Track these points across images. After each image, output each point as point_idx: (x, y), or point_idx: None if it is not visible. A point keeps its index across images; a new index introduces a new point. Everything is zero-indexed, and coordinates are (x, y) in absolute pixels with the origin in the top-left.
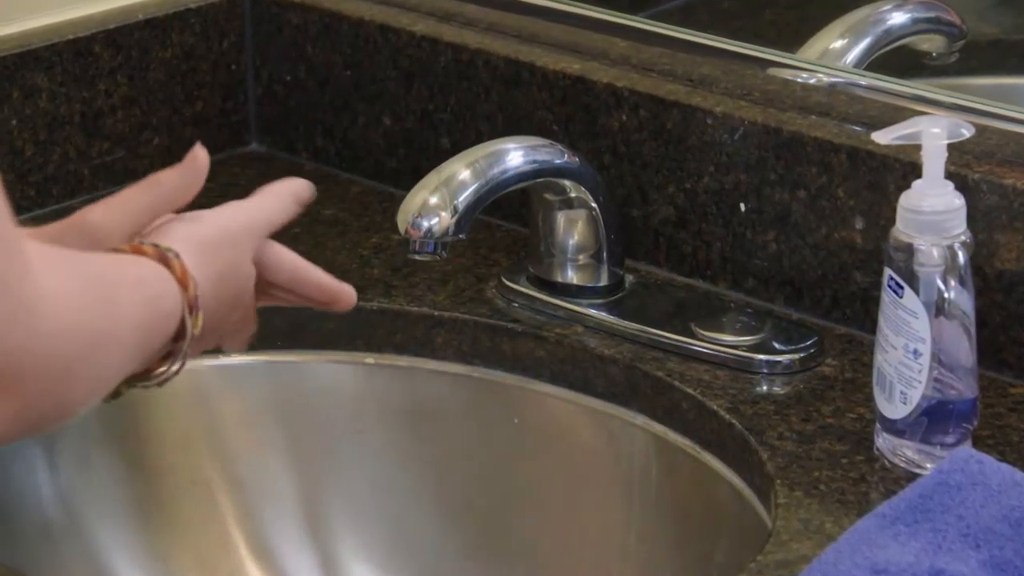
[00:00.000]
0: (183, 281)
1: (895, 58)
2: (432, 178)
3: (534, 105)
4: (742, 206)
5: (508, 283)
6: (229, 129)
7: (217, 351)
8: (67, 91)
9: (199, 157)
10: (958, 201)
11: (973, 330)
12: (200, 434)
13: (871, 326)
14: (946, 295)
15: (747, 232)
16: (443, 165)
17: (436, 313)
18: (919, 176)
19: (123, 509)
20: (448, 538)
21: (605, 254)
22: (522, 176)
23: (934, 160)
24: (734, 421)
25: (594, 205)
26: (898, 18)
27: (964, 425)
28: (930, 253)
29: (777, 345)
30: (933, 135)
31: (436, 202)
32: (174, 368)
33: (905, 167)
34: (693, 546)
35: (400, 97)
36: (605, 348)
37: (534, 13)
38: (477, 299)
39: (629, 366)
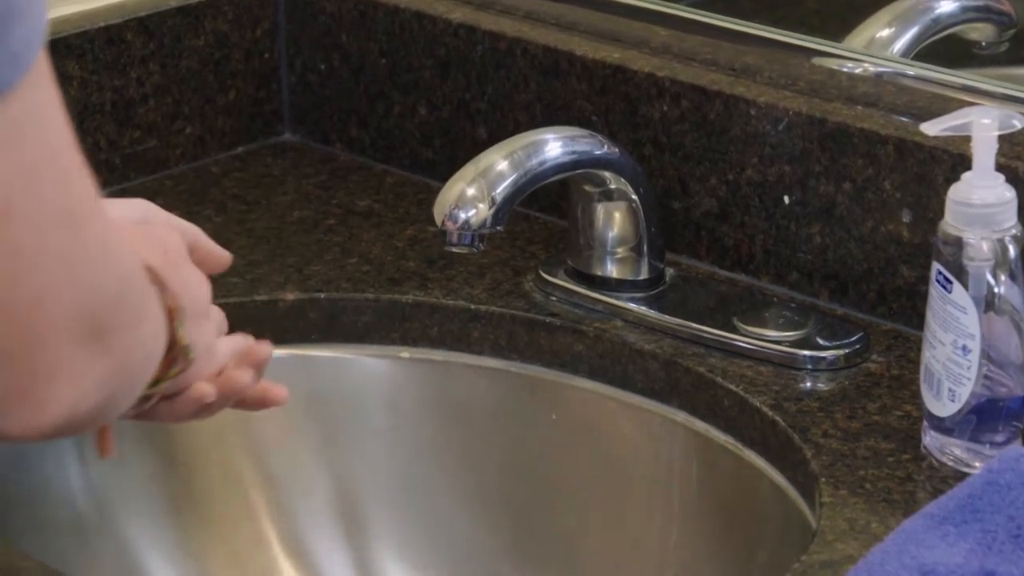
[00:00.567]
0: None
1: (943, 47)
2: (469, 169)
3: (573, 95)
4: (786, 198)
5: (546, 276)
6: (262, 119)
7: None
8: (98, 79)
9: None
10: (1009, 194)
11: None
12: (233, 429)
13: (918, 322)
14: (996, 290)
15: (791, 225)
16: (480, 156)
17: (472, 307)
18: (968, 168)
19: (155, 505)
20: (484, 536)
21: (645, 247)
22: (561, 167)
23: (984, 152)
24: (777, 418)
25: (634, 197)
26: (947, 6)
27: (1014, 423)
28: (980, 247)
29: (821, 341)
30: (983, 126)
31: (473, 193)
32: (180, 367)
33: (954, 159)
34: (735, 546)
35: (436, 86)
36: (645, 343)
37: (573, 1)
38: (514, 292)
39: (670, 361)
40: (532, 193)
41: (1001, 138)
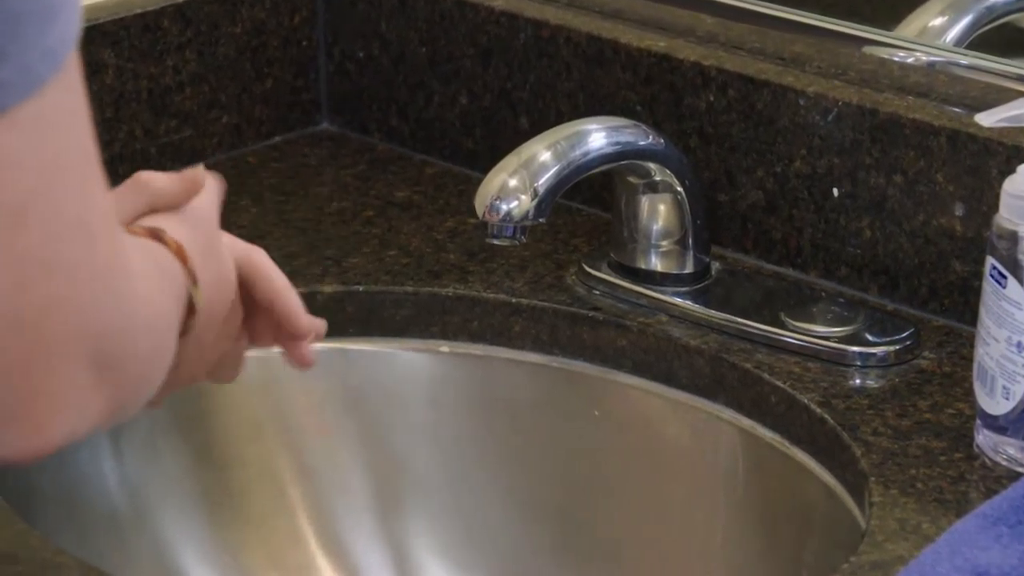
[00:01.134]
0: (180, 255)
1: (997, 36)
2: (511, 160)
3: (617, 84)
4: (835, 191)
5: (589, 270)
6: (299, 107)
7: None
8: (134, 67)
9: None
10: None
11: None
12: (270, 424)
13: (971, 318)
14: None
15: (840, 218)
16: (523, 146)
17: (514, 300)
18: None
19: (191, 501)
20: (524, 534)
21: (691, 240)
22: (605, 158)
23: None
24: (826, 416)
25: (679, 189)
26: None
27: None
28: None
29: (871, 337)
30: None
31: (516, 184)
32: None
33: (1009, 151)
34: (782, 546)
35: (477, 75)
36: (690, 338)
37: None
38: (556, 286)
39: (715, 357)
40: (575, 185)
41: None
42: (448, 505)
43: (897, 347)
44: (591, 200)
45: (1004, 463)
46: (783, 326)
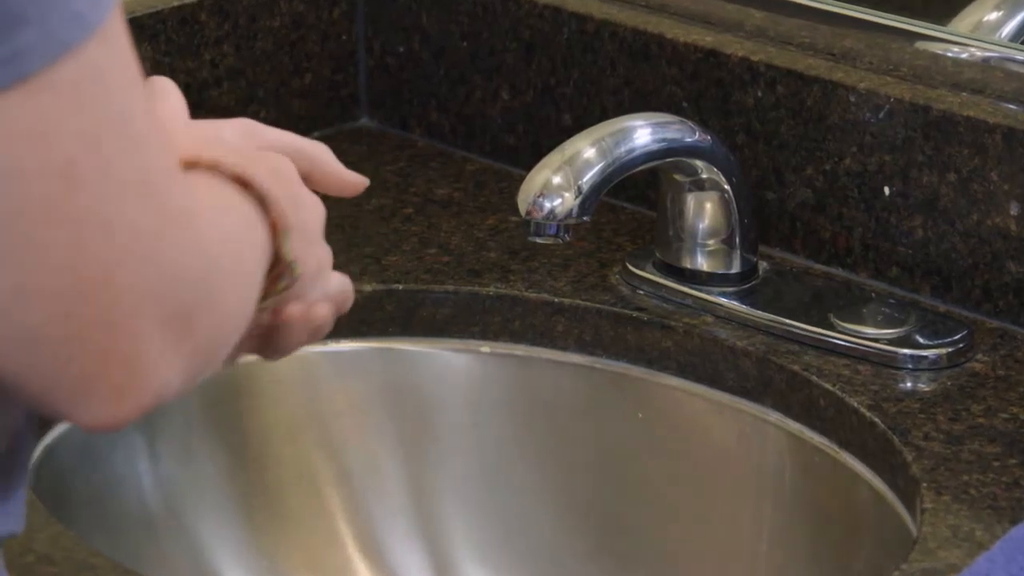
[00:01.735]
0: (264, 203)
1: None
2: (555, 157)
3: (663, 80)
4: (886, 189)
5: (633, 269)
6: (338, 103)
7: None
8: (171, 61)
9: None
10: None
11: None
12: (307, 424)
13: None
14: None
15: (891, 217)
16: (567, 143)
17: (556, 300)
18: None
19: (227, 502)
20: (566, 539)
21: (738, 239)
22: (650, 155)
23: None
24: (876, 420)
25: (726, 187)
26: None
27: None
28: None
29: (923, 339)
30: None
31: (559, 182)
32: (286, 282)
33: None
34: (830, 553)
35: (520, 70)
36: (737, 339)
37: None
38: (600, 286)
39: (762, 359)
40: (619, 182)
41: None
42: (487, 508)
43: (950, 349)
44: (636, 198)
45: None
46: (832, 327)
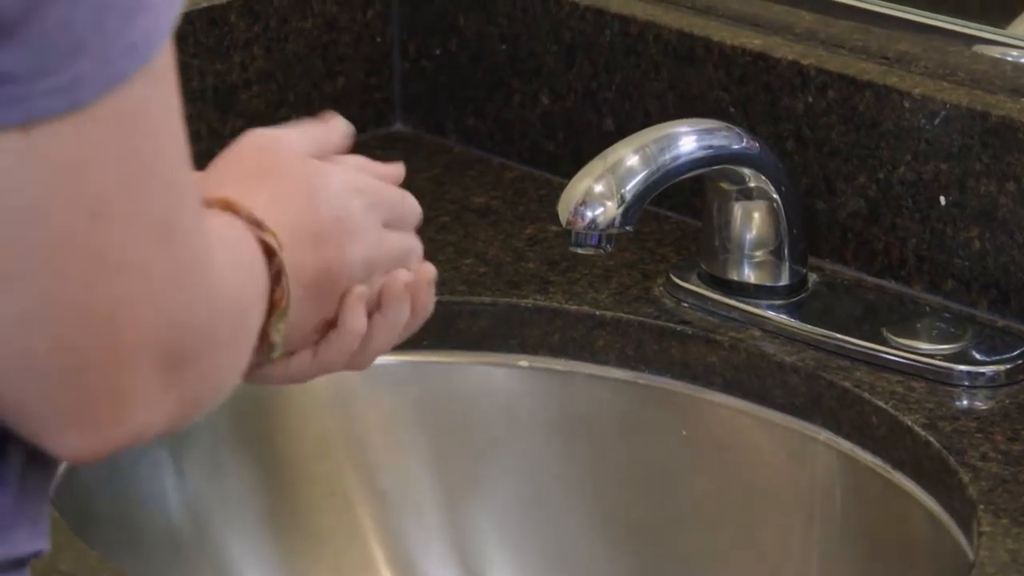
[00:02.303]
0: (268, 250)
1: None
2: (597, 164)
3: (709, 84)
4: (942, 199)
5: (677, 281)
6: (372, 107)
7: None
8: (200, 64)
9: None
10: None
11: None
12: (339, 440)
13: None
14: None
15: (947, 228)
16: (609, 150)
17: (598, 313)
18: None
19: (255, 520)
20: (607, 560)
21: (786, 250)
22: (696, 163)
23: None
24: (931, 439)
25: (775, 196)
26: None
27: None
28: None
29: (980, 355)
30: None
31: (601, 190)
32: (258, 359)
33: None
34: None
35: (560, 74)
36: (785, 355)
37: None
38: (643, 298)
39: (812, 375)
40: (663, 191)
41: None
42: (524, 528)
43: (1008, 366)
44: (680, 207)
45: None
46: (885, 343)
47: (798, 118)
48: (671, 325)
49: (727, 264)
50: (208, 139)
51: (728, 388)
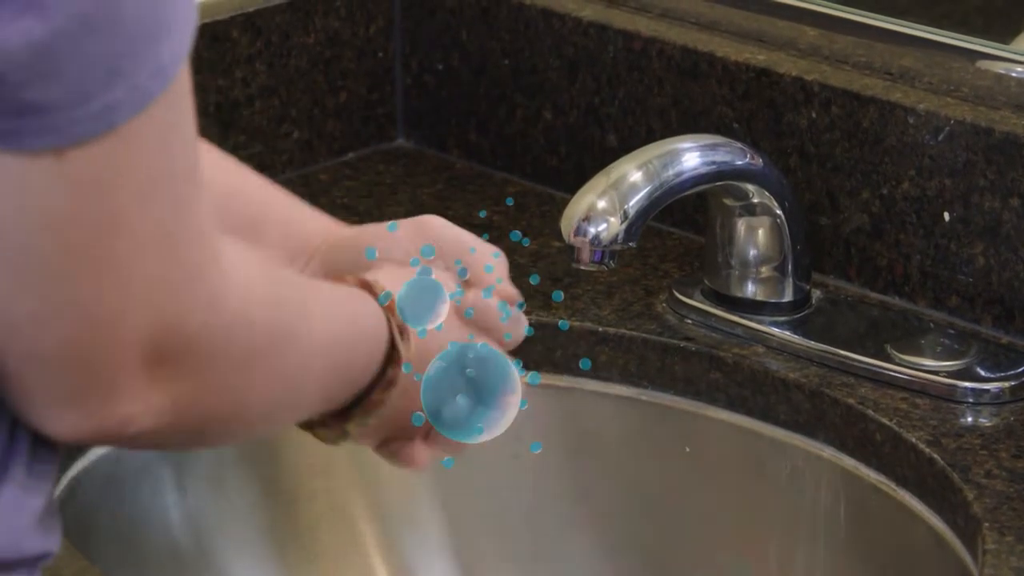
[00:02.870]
0: (389, 308)
1: None
2: (600, 180)
3: (713, 100)
4: (946, 215)
5: (681, 297)
6: (375, 122)
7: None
8: (202, 79)
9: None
10: None
11: None
12: (342, 458)
13: None
14: None
15: (951, 244)
16: (612, 166)
17: (600, 329)
18: None
19: (257, 537)
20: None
21: (790, 266)
22: (699, 179)
23: None
24: (935, 456)
25: (779, 212)
26: None
27: None
28: None
29: (984, 371)
30: None
31: (604, 206)
32: (388, 394)
33: None
34: None
35: (563, 89)
36: (789, 371)
37: None
38: (646, 314)
39: (816, 392)
40: (666, 206)
41: None
42: (528, 544)
43: (1012, 383)
44: (683, 223)
45: None
46: (889, 359)
47: (802, 133)
48: (674, 341)
49: (730, 280)
50: None
51: (731, 405)
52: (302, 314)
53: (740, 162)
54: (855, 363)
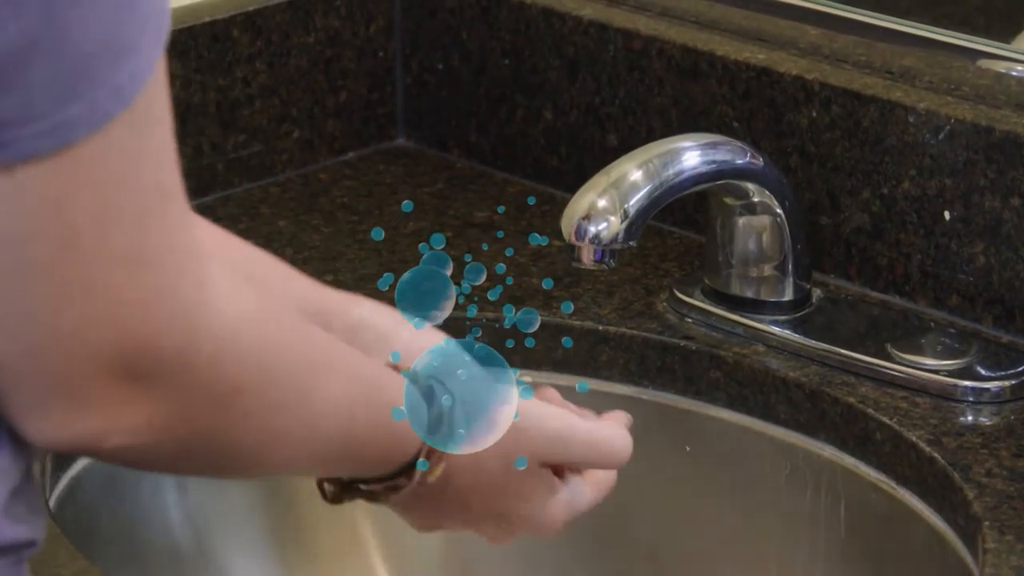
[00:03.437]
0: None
1: None
2: (600, 179)
3: (713, 99)
4: (947, 214)
5: (681, 296)
6: (374, 122)
7: None
8: (202, 78)
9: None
10: None
11: None
12: None
13: None
14: None
15: (952, 243)
16: (612, 165)
17: (601, 328)
18: None
19: (258, 538)
20: (610, 575)
21: (790, 265)
22: (699, 178)
23: None
24: (936, 455)
25: (779, 211)
26: None
27: None
28: None
29: (984, 370)
30: None
31: (605, 205)
32: (402, 487)
33: None
34: None
35: (564, 89)
36: (789, 370)
37: None
38: (646, 313)
39: (816, 391)
40: (666, 206)
41: None
42: (528, 544)
43: (1013, 382)
44: (684, 222)
45: None
46: (889, 358)
47: (802, 133)
48: (674, 340)
49: (731, 279)
50: (210, 154)
51: (732, 404)
52: (313, 370)
53: (740, 161)
54: (855, 362)
